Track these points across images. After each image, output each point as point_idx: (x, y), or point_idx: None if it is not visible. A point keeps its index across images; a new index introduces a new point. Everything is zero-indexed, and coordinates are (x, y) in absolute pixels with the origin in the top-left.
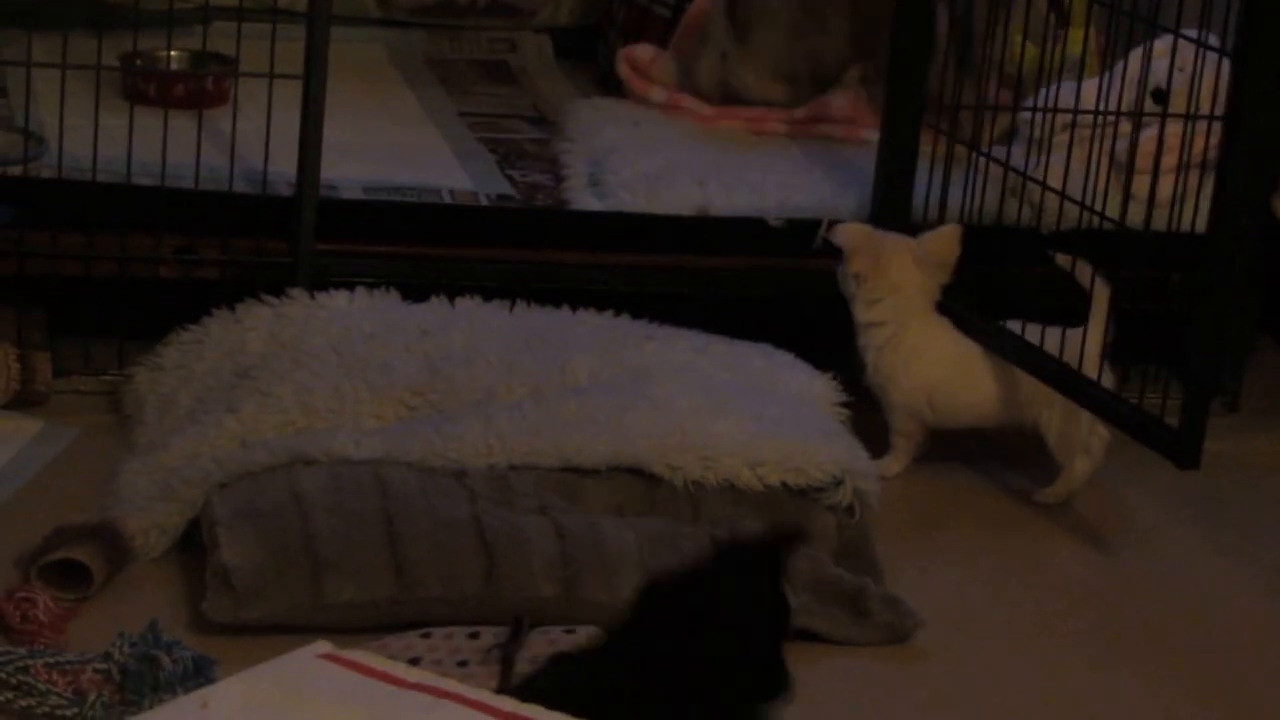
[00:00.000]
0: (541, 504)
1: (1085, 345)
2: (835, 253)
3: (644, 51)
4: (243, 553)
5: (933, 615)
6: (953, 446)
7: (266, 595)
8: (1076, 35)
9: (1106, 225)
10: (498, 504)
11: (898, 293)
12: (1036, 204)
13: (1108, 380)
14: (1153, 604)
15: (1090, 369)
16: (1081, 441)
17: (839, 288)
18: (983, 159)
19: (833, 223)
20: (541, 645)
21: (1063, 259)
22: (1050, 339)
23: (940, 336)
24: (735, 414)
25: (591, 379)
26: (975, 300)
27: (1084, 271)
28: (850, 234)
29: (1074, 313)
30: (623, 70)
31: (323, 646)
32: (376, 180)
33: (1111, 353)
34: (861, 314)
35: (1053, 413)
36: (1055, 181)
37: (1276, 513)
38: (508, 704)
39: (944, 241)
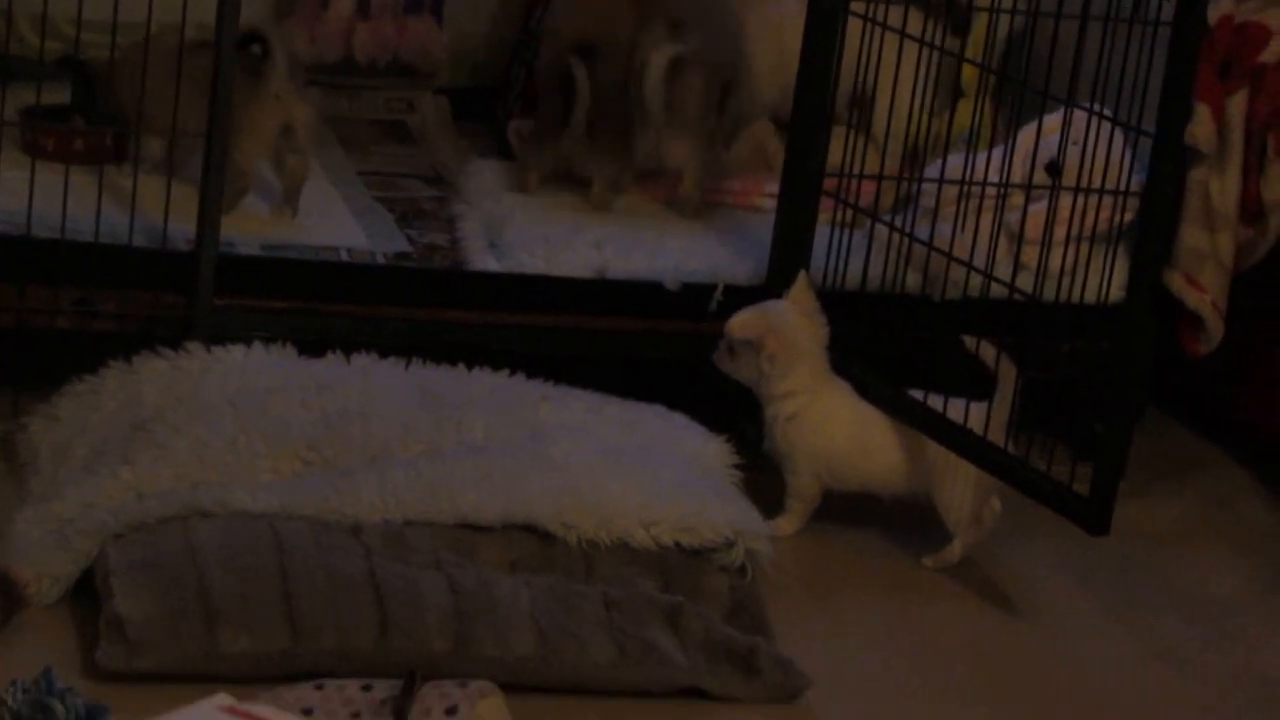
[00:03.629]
0: (436, 559)
1: (990, 419)
2: (726, 318)
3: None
4: (137, 603)
5: (822, 675)
6: (845, 509)
7: (160, 645)
8: (966, 108)
9: (1009, 293)
10: (392, 559)
11: (806, 357)
12: (932, 273)
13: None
14: (1042, 668)
15: (997, 440)
16: (974, 513)
17: (730, 376)
18: (880, 228)
19: (728, 286)
20: (434, 698)
21: (969, 340)
22: (954, 411)
23: (845, 403)
24: (630, 474)
25: (487, 437)
26: (871, 368)
27: (988, 352)
28: (752, 324)
29: (972, 383)
30: (513, 141)
31: (223, 699)
32: (273, 239)
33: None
34: (776, 388)
35: (948, 483)
36: (951, 250)
37: (1166, 580)
38: None
39: (805, 291)
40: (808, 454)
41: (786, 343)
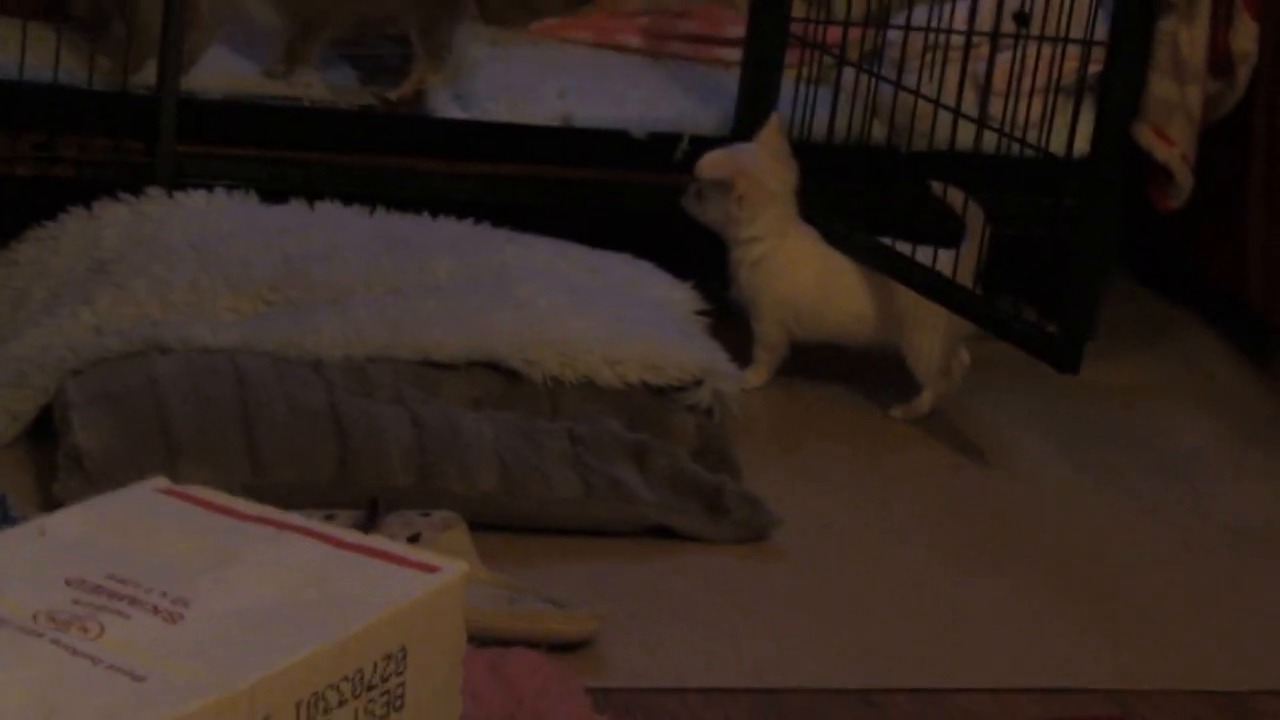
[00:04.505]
0: (398, 395)
1: (959, 263)
2: (690, 169)
3: None
4: (96, 436)
5: (791, 519)
6: (814, 363)
7: (119, 477)
8: None
9: (975, 141)
10: (355, 394)
11: (775, 200)
12: (899, 125)
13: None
14: (1009, 516)
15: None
16: (943, 364)
17: (698, 219)
18: (847, 78)
19: (694, 139)
20: (397, 527)
21: (936, 185)
22: (923, 257)
23: (812, 249)
24: (595, 313)
25: (451, 278)
26: (839, 216)
27: (956, 196)
28: (722, 164)
29: (940, 233)
30: None
31: (161, 482)
32: (238, 90)
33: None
34: (743, 231)
35: (916, 332)
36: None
37: (1136, 435)
38: (350, 535)
39: (776, 134)
40: (774, 299)
41: (756, 184)
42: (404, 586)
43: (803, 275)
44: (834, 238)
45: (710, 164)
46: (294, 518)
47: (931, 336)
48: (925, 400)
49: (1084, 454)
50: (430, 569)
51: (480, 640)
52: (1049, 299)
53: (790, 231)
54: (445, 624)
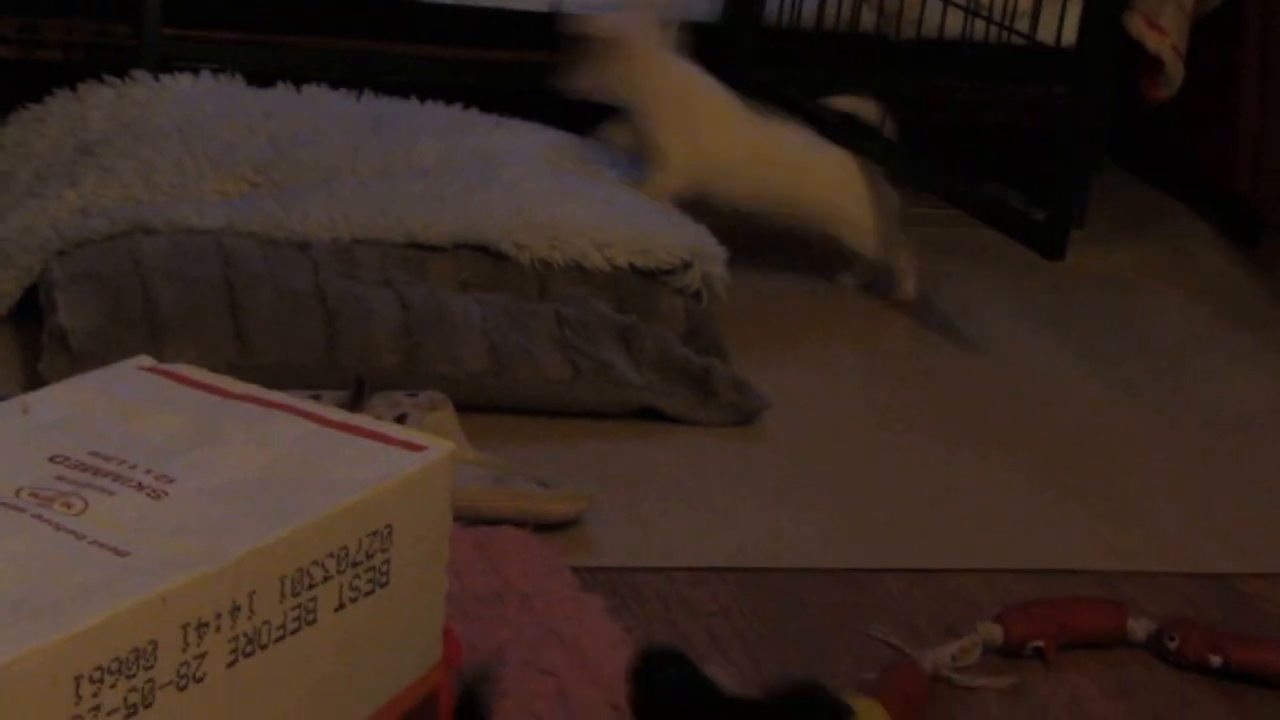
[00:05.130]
0: (385, 277)
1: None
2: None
3: None
4: (81, 315)
5: (779, 402)
6: (801, 250)
7: (104, 357)
8: None
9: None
10: (341, 276)
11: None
12: (889, 12)
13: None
14: (997, 399)
15: None
16: (884, 237)
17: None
18: None
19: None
20: (383, 407)
21: (841, 101)
22: None
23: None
24: (584, 198)
25: (439, 162)
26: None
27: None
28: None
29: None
30: None
31: (143, 360)
32: None
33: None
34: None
35: (842, 207)
36: None
37: (1125, 321)
38: (336, 414)
39: None
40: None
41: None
42: (390, 465)
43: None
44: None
45: (599, 22)
46: (280, 396)
47: (857, 210)
48: (908, 286)
49: (1075, 340)
50: (417, 448)
51: (467, 519)
52: (1038, 188)
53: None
54: (431, 502)
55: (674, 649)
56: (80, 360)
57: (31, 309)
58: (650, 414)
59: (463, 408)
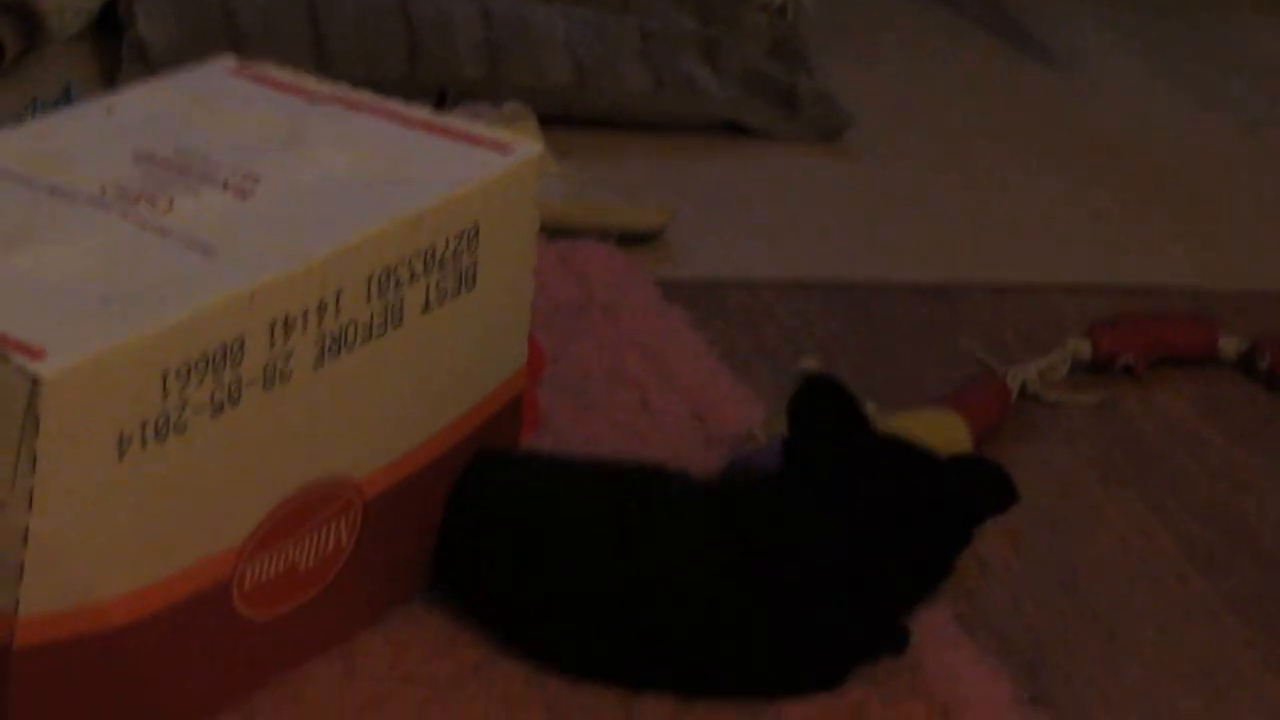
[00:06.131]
0: None
1: None
2: None
3: None
4: (161, 27)
5: (865, 117)
6: None
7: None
8: None
9: None
10: None
11: None
12: None
13: None
14: (1091, 119)
15: None
16: None
17: None
18: None
19: None
20: (466, 119)
21: None
22: None
23: None
24: None
25: None
26: None
27: None
28: None
29: None
30: None
31: (230, 62)
32: None
33: None
34: None
35: None
36: None
37: (1223, 46)
38: (419, 114)
39: None
40: None
41: None
42: (478, 165)
43: None
44: None
45: None
46: (366, 97)
47: None
48: None
49: (1168, 62)
50: (505, 148)
51: (550, 232)
52: None
53: None
54: (519, 204)
55: (834, 379)
56: (159, 73)
57: (111, 23)
58: (733, 128)
59: (545, 121)
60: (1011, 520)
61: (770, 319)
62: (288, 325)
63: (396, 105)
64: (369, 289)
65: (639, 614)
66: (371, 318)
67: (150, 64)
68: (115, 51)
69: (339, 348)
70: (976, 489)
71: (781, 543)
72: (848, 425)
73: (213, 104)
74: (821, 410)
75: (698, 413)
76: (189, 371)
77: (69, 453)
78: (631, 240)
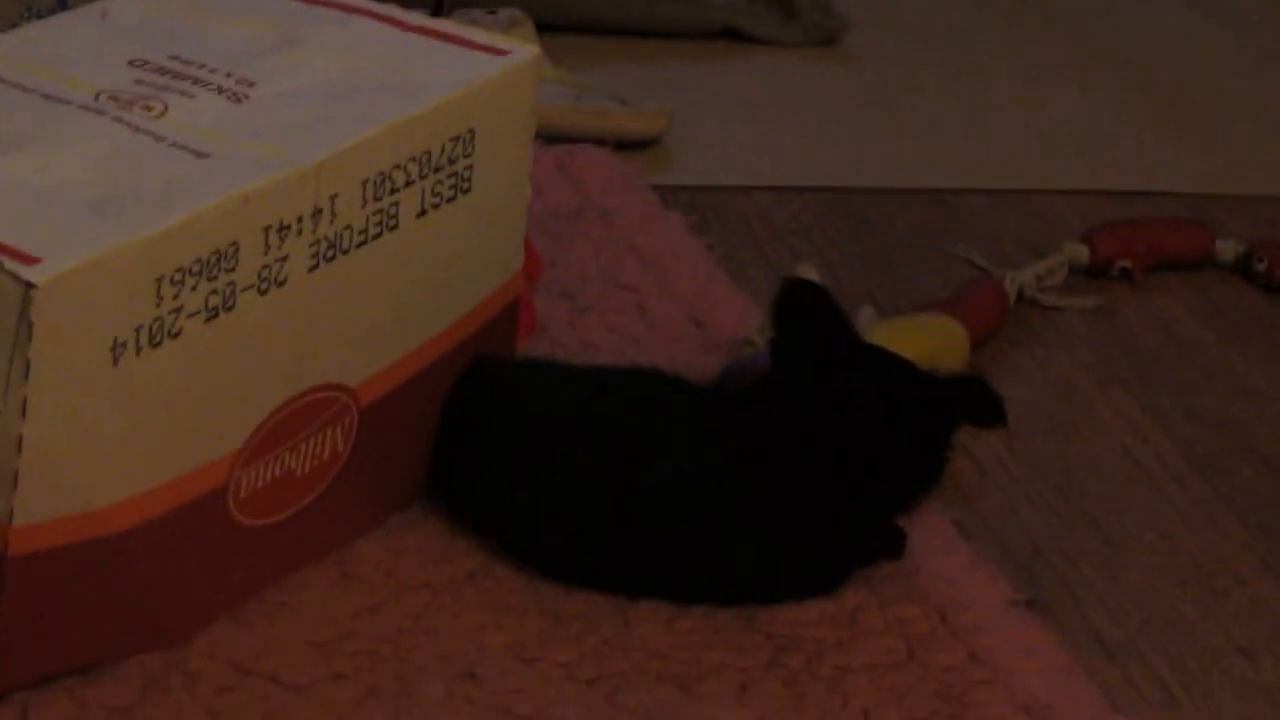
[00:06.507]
0: None
1: None
2: None
3: None
4: None
5: (862, 23)
6: None
7: None
8: None
9: None
10: None
11: None
12: None
13: None
14: (1090, 27)
15: None
16: None
17: None
18: None
19: None
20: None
21: None
22: None
23: None
24: None
25: None
26: None
27: None
28: None
29: None
30: None
31: None
32: None
33: None
34: None
35: None
36: None
37: None
38: (415, 18)
39: None
40: None
41: None
42: (473, 68)
43: None
44: None
45: None
46: (362, 1)
47: None
48: None
49: None
50: (500, 52)
51: (546, 137)
52: None
53: None
54: (515, 108)
55: (818, 285)
56: None
57: None
58: (731, 34)
59: (542, 27)
60: (1009, 425)
61: (767, 224)
62: (282, 230)
63: (392, 10)
64: (364, 193)
65: (634, 520)
66: (366, 222)
67: None
68: None
69: (334, 252)
70: (959, 396)
71: (771, 447)
72: (828, 328)
73: (207, 9)
74: (803, 313)
75: (695, 318)
76: (183, 277)
77: (62, 359)
78: (628, 145)
